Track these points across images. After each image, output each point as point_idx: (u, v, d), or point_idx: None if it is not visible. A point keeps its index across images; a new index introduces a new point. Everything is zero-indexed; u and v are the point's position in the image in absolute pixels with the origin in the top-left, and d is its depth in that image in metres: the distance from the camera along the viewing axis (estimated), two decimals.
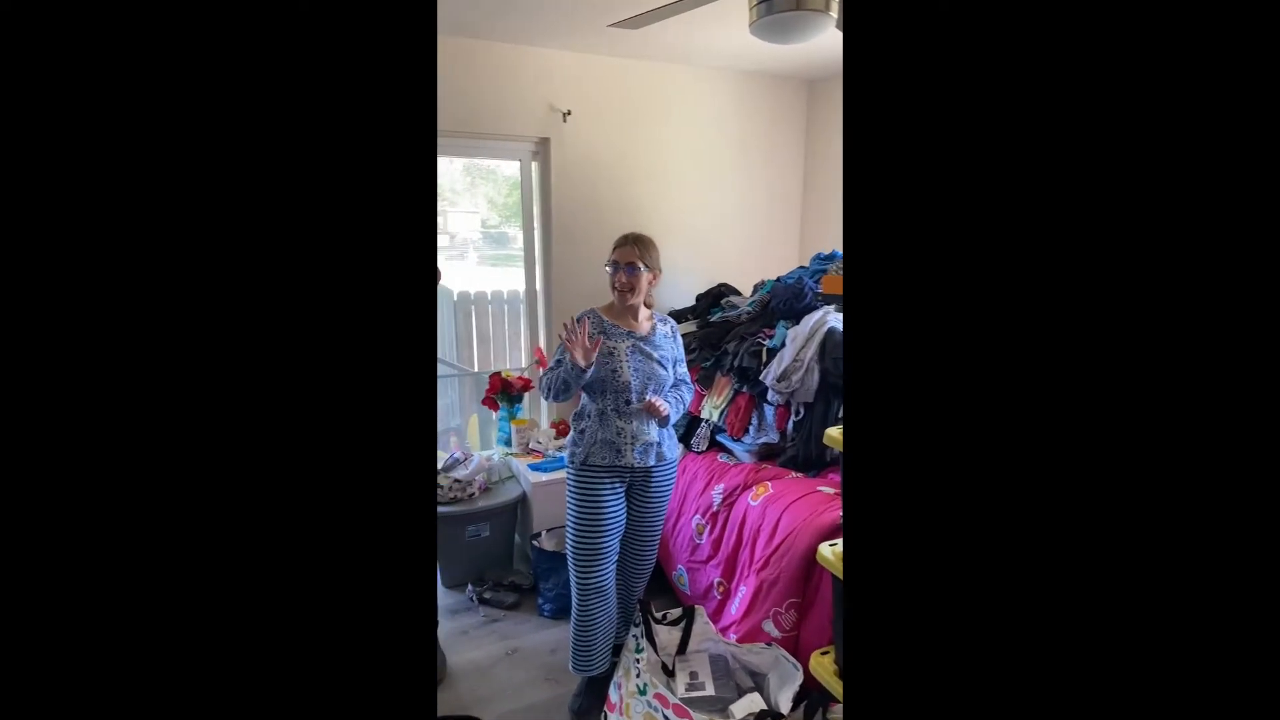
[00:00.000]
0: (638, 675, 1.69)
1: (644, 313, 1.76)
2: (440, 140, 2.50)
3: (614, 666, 1.78)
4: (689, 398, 1.84)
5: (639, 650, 1.74)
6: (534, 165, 2.68)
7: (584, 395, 1.74)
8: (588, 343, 1.60)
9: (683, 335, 1.98)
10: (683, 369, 1.82)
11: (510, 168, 2.81)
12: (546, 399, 1.72)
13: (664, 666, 1.74)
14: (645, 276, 1.69)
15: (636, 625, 1.78)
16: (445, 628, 2.07)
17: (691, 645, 1.77)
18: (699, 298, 2.73)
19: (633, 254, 1.68)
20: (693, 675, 1.73)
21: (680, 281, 2.80)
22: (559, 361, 1.67)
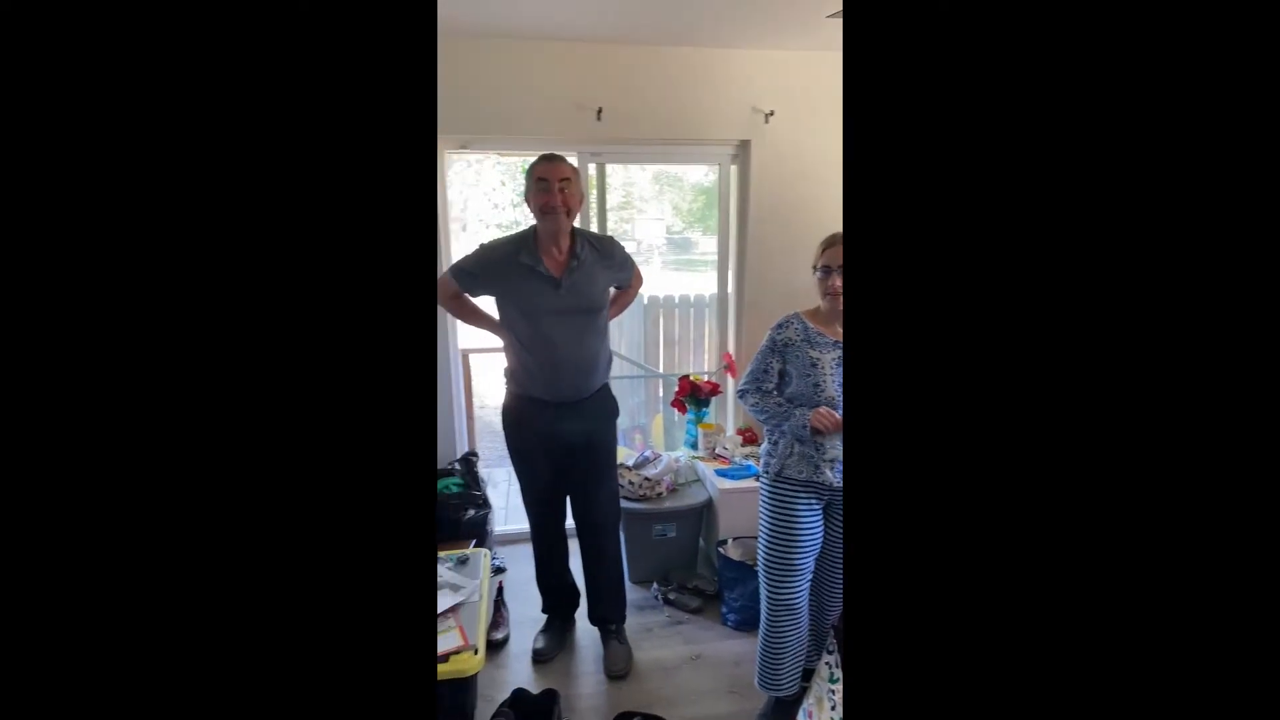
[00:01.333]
0: (833, 708, 1.59)
1: None
2: (639, 148, 2.59)
3: (804, 691, 1.69)
4: None
5: (834, 680, 1.63)
6: (733, 168, 2.66)
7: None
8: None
9: None
10: None
11: (696, 174, 2.83)
12: (750, 413, 1.68)
13: None
14: None
15: (830, 652, 1.67)
16: (632, 622, 2.12)
17: None
18: None
19: None
20: None
21: None
22: (779, 405, 1.62)
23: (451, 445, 2.58)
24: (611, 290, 1.95)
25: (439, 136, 2.34)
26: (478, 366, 3.06)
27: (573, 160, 2.48)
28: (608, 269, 1.84)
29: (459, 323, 2.60)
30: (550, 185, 1.69)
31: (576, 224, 1.84)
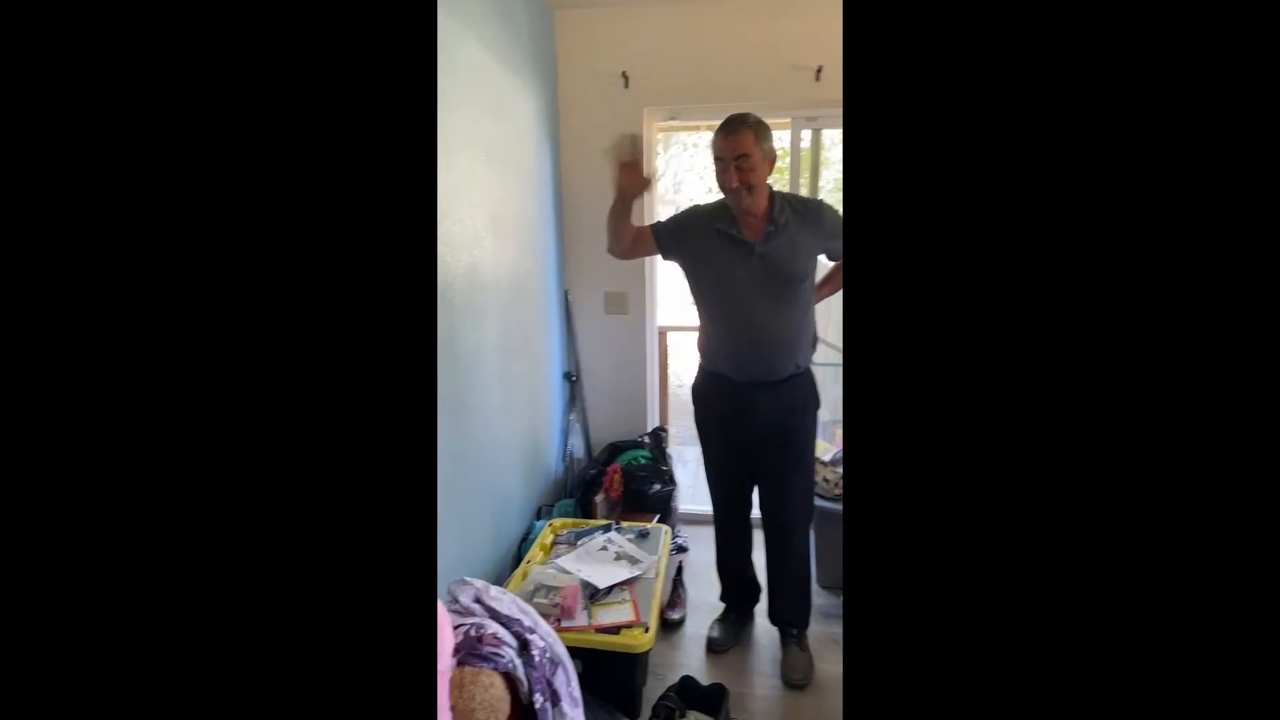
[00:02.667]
0: None
1: None
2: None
3: None
4: None
5: None
6: None
7: None
8: None
9: None
10: None
11: None
12: None
13: None
14: None
15: None
16: (815, 629, 1.95)
17: None
18: None
19: None
20: None
21: None
22: None
23: (642, 419, 2.60)
24: (824, 262, 1.76)
25: (644, 109, 2.33)
26: (674, 344, 3.06)
27: (783, 128, 2.31)
28: (814, 235, 1.66)
29: (658, 301, 2.61)
30: (726, 164, 1.56)
31: (783, 189, 1.69)
